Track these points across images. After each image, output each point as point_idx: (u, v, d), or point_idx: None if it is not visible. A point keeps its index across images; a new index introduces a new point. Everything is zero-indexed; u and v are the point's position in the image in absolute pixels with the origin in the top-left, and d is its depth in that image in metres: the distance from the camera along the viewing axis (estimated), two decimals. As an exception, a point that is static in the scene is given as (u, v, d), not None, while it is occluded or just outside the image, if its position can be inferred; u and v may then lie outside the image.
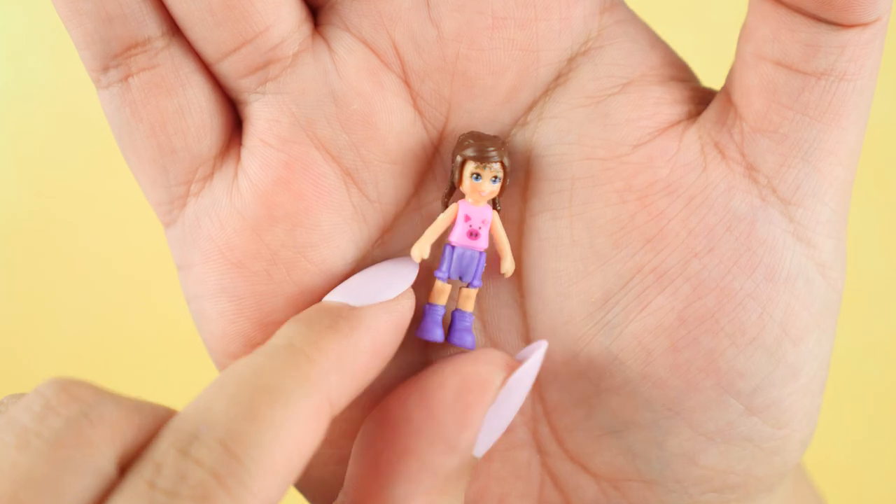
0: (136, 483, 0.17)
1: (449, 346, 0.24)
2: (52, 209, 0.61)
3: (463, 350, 0.24)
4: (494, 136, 0.23)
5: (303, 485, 0.25)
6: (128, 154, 0.23)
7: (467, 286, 0.24)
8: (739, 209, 0.22)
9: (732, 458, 0.23)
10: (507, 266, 0.23)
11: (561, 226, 0.23)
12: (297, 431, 0.19)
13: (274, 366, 0.20)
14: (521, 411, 0.25)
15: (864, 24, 0.21)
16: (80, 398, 0.19)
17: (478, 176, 0.23)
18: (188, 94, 0.23)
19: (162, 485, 0.17)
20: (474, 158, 0.23)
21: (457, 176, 0.23)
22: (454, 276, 0.23)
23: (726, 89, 0.23)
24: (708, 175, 0.22)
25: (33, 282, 0.61)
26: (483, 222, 0.23)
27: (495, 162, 0.23)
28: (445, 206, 0.24)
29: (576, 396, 0.24)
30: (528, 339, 0.24)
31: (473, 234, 0.23)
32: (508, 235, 0.24)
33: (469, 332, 0.24)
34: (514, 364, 0.22)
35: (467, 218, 0.23)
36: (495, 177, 0.23)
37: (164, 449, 0.18)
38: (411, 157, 0.23)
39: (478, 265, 0.23)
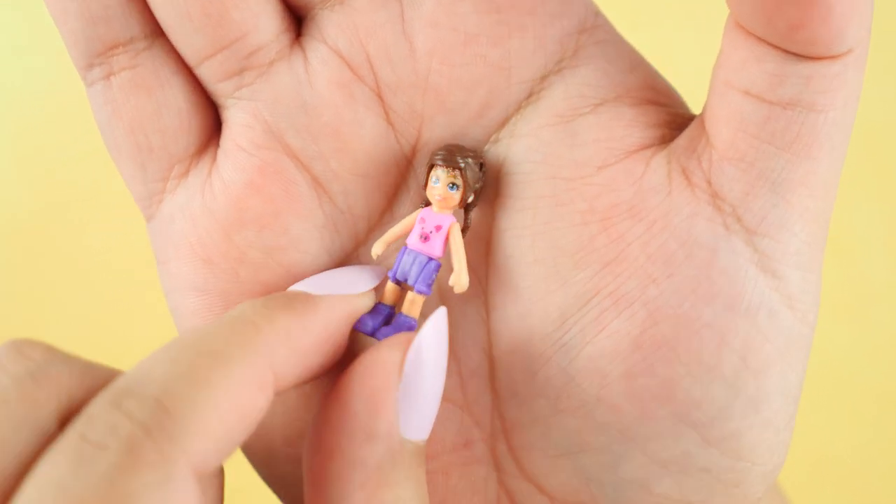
0: (69, 436, 0.18)
1: None
2: (52, 209, 0.62)
3: None
4: (470, 149, 0.23)
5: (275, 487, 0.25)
6: (110, 149, 0.24)
7: (412, 290, 0.24)
8: (701, 237, 0.22)
9: (688, 489, 0.23)
10: (455, 279, 0.23)
11: (524, 244, 0.23)
12: (236, 395, 0.19)
13: (220, 332, 0.20)
14: (480, 426, 0.24)
15: (833, 57, 0.20)
16: (29, 357, 0.19)
17: (437, 179, 0.23)
18: (167, 95, 0.23)
19: (91, 436, 0.17)
20: (437, 163, 0.23)
21: (422, 180, 0.23)
22: (401, 278, 0.24)
23: (702, 115, 0.23)
24: (672, 200, 0.22)
25: (33, 281, 0.62)
26: (437, 228, 0.23)
27: (453, 168, 0.23)
28: None
29: (533, 415, 0.24)
30: (491, 357, 0.24)
31: (424, 238, 0.23)
32: (478, 252, 0.24)
33: (382, 323, 0.24)
34: (412, 337, 0.22)
35: (422, 220, 0.23)
36: (453, 183, 0.23)
37: (98, 403, 0.18)
38: (383, 170, 0.24)
39: (423, 270, 0.23)
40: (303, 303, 0.21)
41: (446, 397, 0.25)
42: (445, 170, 0.23)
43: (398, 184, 0.24)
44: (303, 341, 0.21)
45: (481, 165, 0.23)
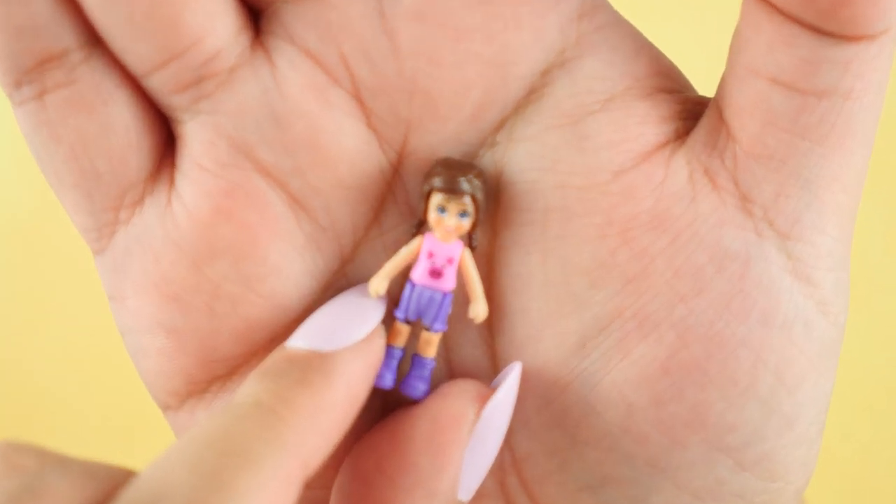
0: None
1: (400, 393, 0.22)
2: (52, 208, 0.62)
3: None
4: (469, 164, 0.21)
5: None
6: (49, 177, 0.21)
7: (427, 329, 0.21)
8: (732, 246, 0.20)
9: None
10: (477, 310, 0.21)
11: (532, 262, 0.21)
12: (267, 499, 0.17)
13: (242, 428, 0.17)
14: None
15: (871, 37, 0.18)
16: (22, 468, 0.17)
17: (443, 209, 0.20)
18: (111, 113, 0.20)
19: None
20: (441, 190, 0.20)
21: (422, 207, 0.21)
22: (413, 318, 0.21)
23: (717, 103, 0.21)
24: (697, 207, 0.20)
25: (34, 281, 0.61)
26: (449, 261, 0.21)
27: (463, 195, 0.20)
28: (413, 236, 0.21)
29: (549, 447, 0.22)
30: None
31: (436, 273, 0.21)
32: (479, 270, 0.21)
33: (424, 380, 0.21)
34: (487, 392, 0.21)
35: (430, 255, 0.21)
36: (464, 211, 0.20)
37: None
38: (367, 181, 0.21)
39: (440, 307, 0.21)
40: (319, 372, 0.19)
41: None
42: (452, 198, 0.20)
43: (384, 194, 0.22)
44: (330, 420, 0.19)
45: (479, 174, 0.21)
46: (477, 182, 0.20)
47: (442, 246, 0.21)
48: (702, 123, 0.21)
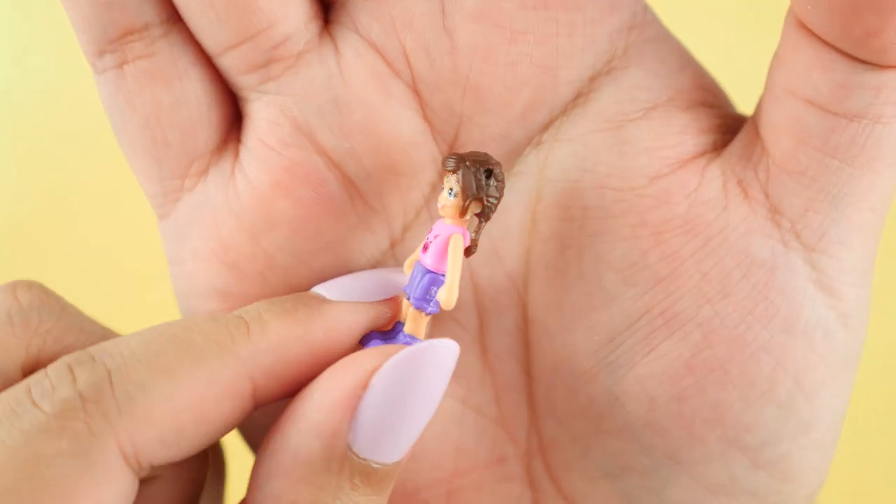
0: (18, 387, 0.18)
1: None
2: (52, 207, 0.61)
3: None
4: (483, 156, 0.21)
5: None
6: (122, 143, 0.22)
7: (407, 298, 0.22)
8: (759, 254, 0.21)
9: None
10: (441, 294, 0.21)
11: (569, 256, 0.22)
12: (197, 394, 0.18)
13: (208, 328, 0.19)
14: (515, 443, 0.23)
15: None
16: (18, 299, 0.19)
17: (443, 186, 0.21)
18: (185, 86, 0.21)
19: (34, 392, 0.18)
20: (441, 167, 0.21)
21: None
22: (406, 291, 0.22)
23: (755, 120, 0.22)
24: (728, 215, 0.21)
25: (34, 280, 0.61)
26: (436, 237, 0.21)
27: (450, 172, 0.21)
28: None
29: (573, 434, 0.23)
30: (529, 371, 0.23)
31: (425, 248, 0.21)
32: (517, 260, 0.22)
33: (381, 341, 0.21)
34: (394, 350, 0.20)
35: (430, 230, 0.21)
36: (451, 189, 0.21)
37: (58, 363, 0.18)
38: (419, 169, 0.22)
39: (419, 282, 0.21)
40: (307, 307, 0.20)
41: (480, 411, 0.24)
42: (446, 174, 0.21)
43: (435, 183, 0.23)
44: (295, 351, 0.20)
45: (489, 173, 0.21)
46: (470, 166, 0.21)
47: (441, 224, 0.21)
48: (739, 137, 0.22)
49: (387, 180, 0.22)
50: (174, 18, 0.21)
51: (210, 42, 0.21)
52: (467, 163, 0.21)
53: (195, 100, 0.22)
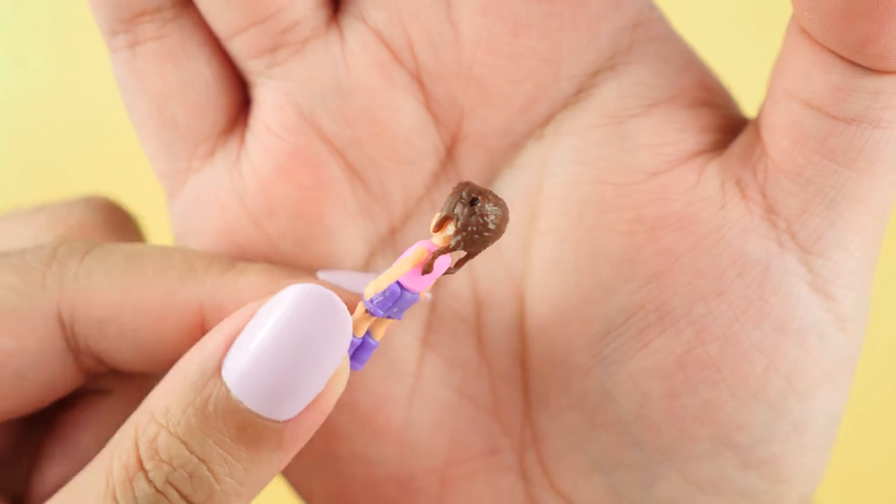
0: (24, 248, 0.21)
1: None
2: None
3: None
4: (486, 190, 0.20)
5: None
6: (134, 121, 0.23)
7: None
8: (754, 254, 0.21)
9: None
10: (370, 286, 0.20)
11: (566, 249, 0.22)
12: (153, 304, 0.21)
13: (188, 253, 0.22)
14: (510, 434, 0.24)
15: None
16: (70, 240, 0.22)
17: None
18: (193, 69, 0.22)
19: (28, 254, 0.21)
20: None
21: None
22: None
23: (756, 122, 0.22)
24: (725, 213, 0.21)
25: None
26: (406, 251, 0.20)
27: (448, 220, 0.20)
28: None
29: (566, 427, 0.23)
30: (524, 363, 0.23)
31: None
32: (515, 251, 0.23)
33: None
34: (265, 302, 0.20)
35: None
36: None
37: (62, 239, 0.22)
38: (421, 158, 0.22)
39: (384, 292, 0.20)
40: (287, 278, 0.21)
41: (475, 402, 0.24)
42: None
43: (436, 172, 0.23)
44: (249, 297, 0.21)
45: (473, 201, 0.19)
46: (460, 193, 0.20)
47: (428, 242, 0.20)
48: (740, 138, 0.22)
49: (388, 168, 0.22)
50: (185, 2, 0.22)
51: (219, 25, 0.22)
52: (464, 189, 0.20)
53: (203, 82, 0.22)
